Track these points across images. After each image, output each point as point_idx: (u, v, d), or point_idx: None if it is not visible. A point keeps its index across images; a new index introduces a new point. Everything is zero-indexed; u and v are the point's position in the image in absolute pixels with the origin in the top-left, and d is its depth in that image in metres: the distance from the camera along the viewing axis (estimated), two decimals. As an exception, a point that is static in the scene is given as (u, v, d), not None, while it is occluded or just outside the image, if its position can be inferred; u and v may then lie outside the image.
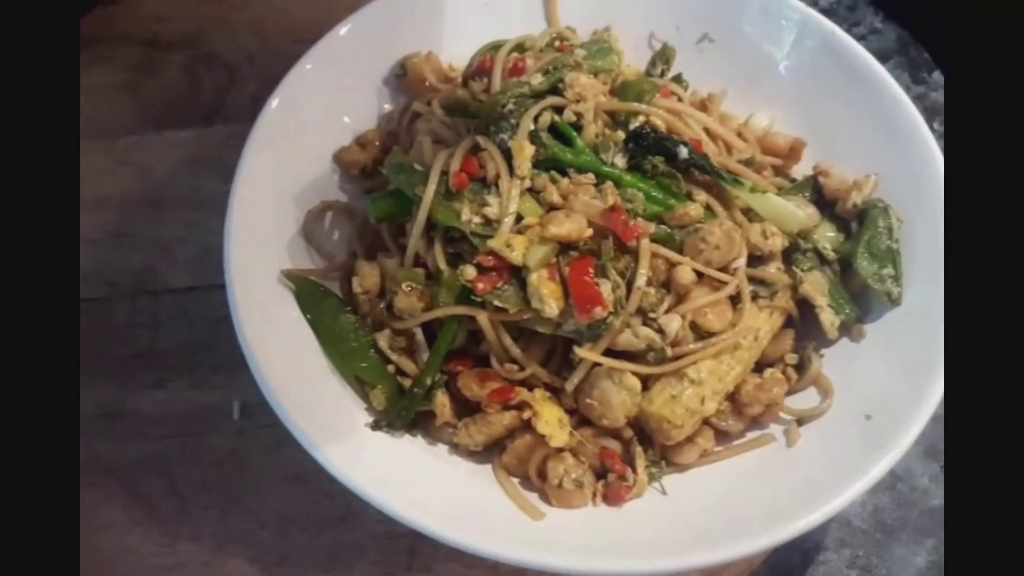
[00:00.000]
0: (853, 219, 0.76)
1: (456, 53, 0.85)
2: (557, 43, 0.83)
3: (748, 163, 0.77)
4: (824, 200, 0.78)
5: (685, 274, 0.67)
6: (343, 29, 0.80)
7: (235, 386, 0.81)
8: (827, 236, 0.75)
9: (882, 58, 0.82)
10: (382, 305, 0.73)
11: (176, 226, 0.90)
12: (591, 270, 0.65)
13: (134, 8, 1.02)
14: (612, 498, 0.67)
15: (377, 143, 0.82)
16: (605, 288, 0.65)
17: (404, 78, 0.84)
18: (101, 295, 0.87)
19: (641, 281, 0.66)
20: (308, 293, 0.74)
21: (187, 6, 1.02)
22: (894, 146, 0.77)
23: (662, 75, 0.85)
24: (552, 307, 0.65)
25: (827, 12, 1.04)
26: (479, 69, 0.79)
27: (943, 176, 0.72)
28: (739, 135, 0.80)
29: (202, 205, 0.90)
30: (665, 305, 0.67)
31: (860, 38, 1.02)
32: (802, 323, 0.74)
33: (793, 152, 0.81)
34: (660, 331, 0.66)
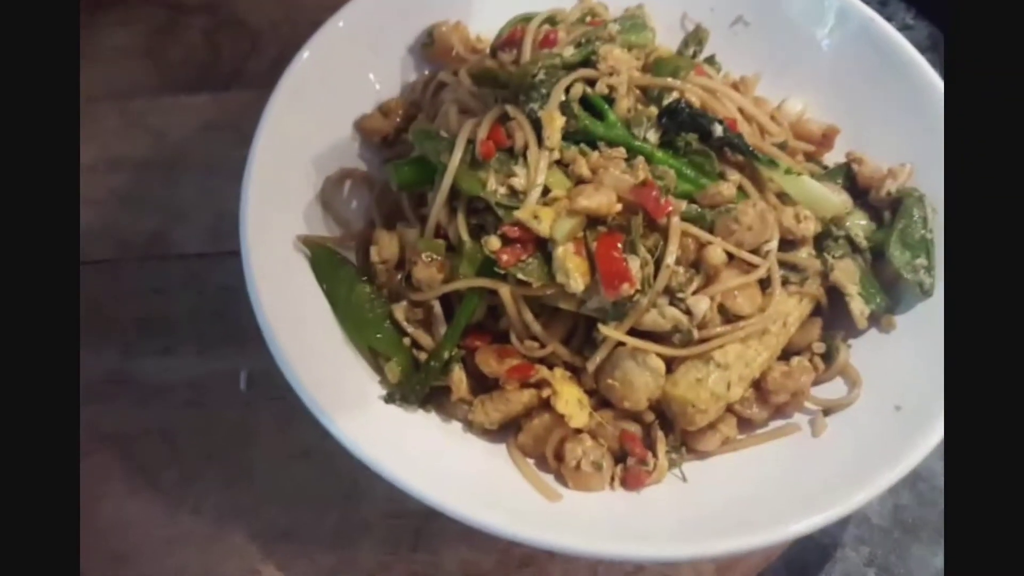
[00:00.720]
0: (886, 208, 0.75)
1: (484, 24, 0.83)
2: (588, 18, 0.81)
3: (781, 147, 0.75)
4: (857, 188, 0.76)
5: (716, 254, 0.65)
6: (375, -8, 0.78)
7: (243, 356, 0.79)
8: (859, 224, 0.73)
9: (913, 55, 0.80)
10: (400, 276, 0.72)
11: (190, 191, 0.88)
12: (619, 245, 0.63)
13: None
14: (631, 482, 0.65)
15: (400, 112, 0.80)
16: (633, 264, 0.63)
17: (431, 47, 0.82)
18: (111, 257, 0.85)
19: (670, 259, 0.64)
20: (324, 261, 0.72)
21: (212, -30, 1.00)
22: (929, 135, 0.75)
23: (694, 56, 0.83)
24: (578, 282, 0.63)
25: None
26: (509, 40, 0.77)
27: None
28: (772, 119, 0.78)
29: (216, 171, 0.88)
30: (694, 285, 0.65)
31: (891, 34, 1.00)
32: (831, 311, 0.72)
33: (826, 139, 0.80)
34: (687, 312, 0.64)
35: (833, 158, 0.81)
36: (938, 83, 0.76)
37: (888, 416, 0.65)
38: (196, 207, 0.87)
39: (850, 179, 0.76)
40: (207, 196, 0.87)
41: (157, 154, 0.90)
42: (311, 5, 0.96)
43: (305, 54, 0.74)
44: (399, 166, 0.72)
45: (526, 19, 0.78)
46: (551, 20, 0.78)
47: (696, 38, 0.84)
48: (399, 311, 0.71)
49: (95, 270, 0.84)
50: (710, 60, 0.83)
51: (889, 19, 1.07)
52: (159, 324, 0.82)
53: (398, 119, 0.80)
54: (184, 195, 0.88)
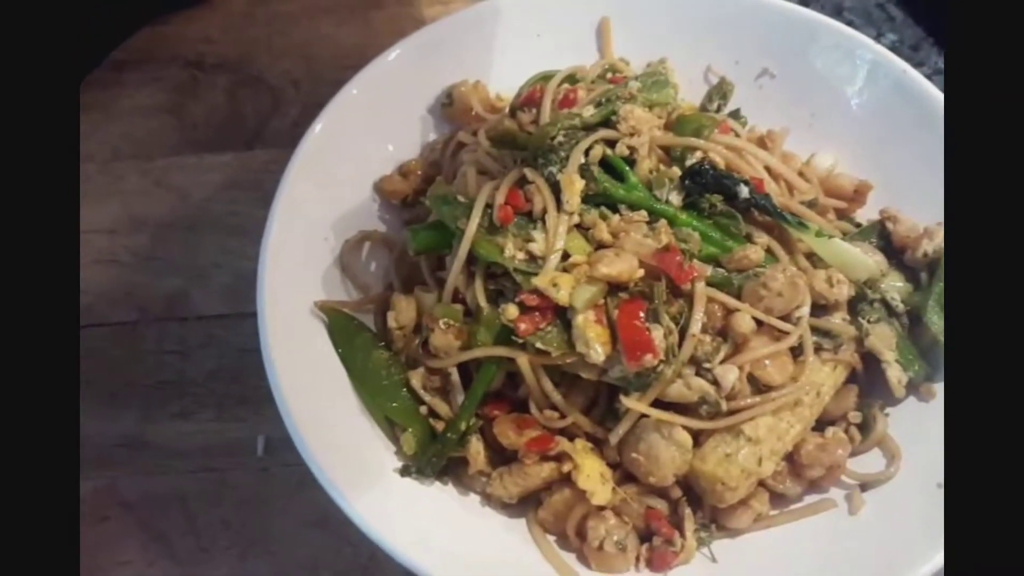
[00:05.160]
0: (923, 269, 0.71)
1: (505, 83, 0.82)
2: (610, 75, 0.80)
3: (811, 205, 0.72)
4: (891, 248, 0.73)
5: (744, 322, 0.62)
6: (392, 54, 0.78)
7: (261, 420, 0.79)
8: (895, 286, 0.70)
9: (949, 100, 0.77)
10: (417, 342, 0.70)
11: (211, 251, 0.88)
12: (642, 314, 0.61)
13: (182, 29, 1.01)
14: (657, 564, 0.62)
15: (419, 173, 0.79)
16: (656, 334, 0.60)
17: (450, 107, 0.82)
18: (130, 319, 0.85)
19: (696, 328, 0.61)
20: (341, 327, 0.71)
21: (235, 29, 1.01)
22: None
23: (718, 110, 0.81)
24: (598, 352, 0.61)
25: (889, 51, 1.00)
26: (528, 99, 0.76)
27: None
28: (801, 175, 0.75)
29: (238, 231, 0.88)
30: (721, 355, 0.62)
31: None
32: (867, 378, 0.69)
33: (858, 195, 0.77)
34: (715, 383, 0.61)
35: (866, 214, 0.78)
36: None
37: (931, 494, 0.62)
38: (217, 267, 0.87)
39: (884, 238, 0.73)
40: (228, 256, 0.87)
41: (179, 214, 0.90)
42: (331, 63, 0.97)
43: (318, 127, 0.74)
44: (416, 231, 0.70)
45: (546, 78, 0.77)
46: (571, 78, 0.77)
47: (720, 91, 0.82)
48: (416, 378, 0.69)
49: (114, 332, 0.83)
50: (735, 114, 0.81)
51: (921, 64, 1.06)
52: (178, 387, 0.81)
53: (417, 179, 0.79)
54: (205, 255, 0.88)
